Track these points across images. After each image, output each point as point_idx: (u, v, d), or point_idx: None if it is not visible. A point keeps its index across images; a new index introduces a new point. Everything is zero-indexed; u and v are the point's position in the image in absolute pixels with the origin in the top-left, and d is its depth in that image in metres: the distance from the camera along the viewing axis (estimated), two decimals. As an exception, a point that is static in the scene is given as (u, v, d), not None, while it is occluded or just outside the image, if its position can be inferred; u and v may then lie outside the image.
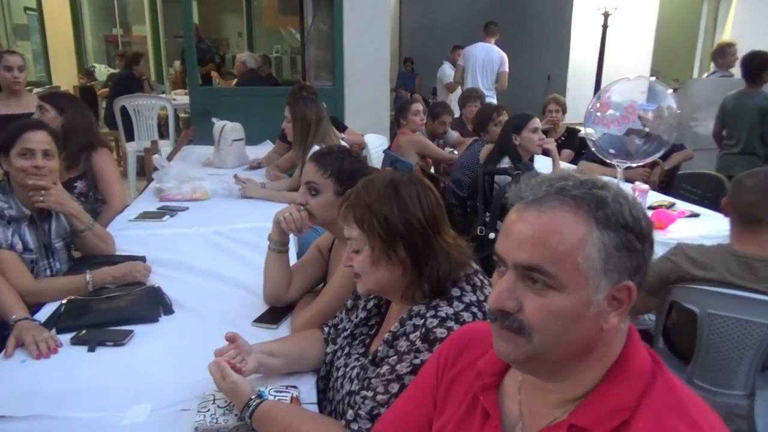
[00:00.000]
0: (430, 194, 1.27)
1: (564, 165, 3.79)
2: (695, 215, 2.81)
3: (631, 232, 0.75)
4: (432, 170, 4.07)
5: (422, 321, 1.17)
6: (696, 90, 5.00)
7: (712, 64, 6.33)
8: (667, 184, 3.66)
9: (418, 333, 1.15)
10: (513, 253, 0.77)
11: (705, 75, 6.88)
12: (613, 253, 0.75)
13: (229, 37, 10.05)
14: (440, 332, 1.14)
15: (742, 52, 5.14)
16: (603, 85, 6.14)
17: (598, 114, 2.26)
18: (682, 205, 3.05)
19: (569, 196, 0.75)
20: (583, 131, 2.37)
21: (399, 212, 1.21)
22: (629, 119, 2.24)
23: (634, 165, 2.38)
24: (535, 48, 7.25)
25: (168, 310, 1.72)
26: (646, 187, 3.03)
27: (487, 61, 5.88)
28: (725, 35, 6.96)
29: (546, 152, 3.17)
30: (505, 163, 2.90)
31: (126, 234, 2.33)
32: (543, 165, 3.32)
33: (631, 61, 6.65)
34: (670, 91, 2.27)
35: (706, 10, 7.23)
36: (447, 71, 6.71)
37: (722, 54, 5.90)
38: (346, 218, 1.25)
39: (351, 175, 1.65)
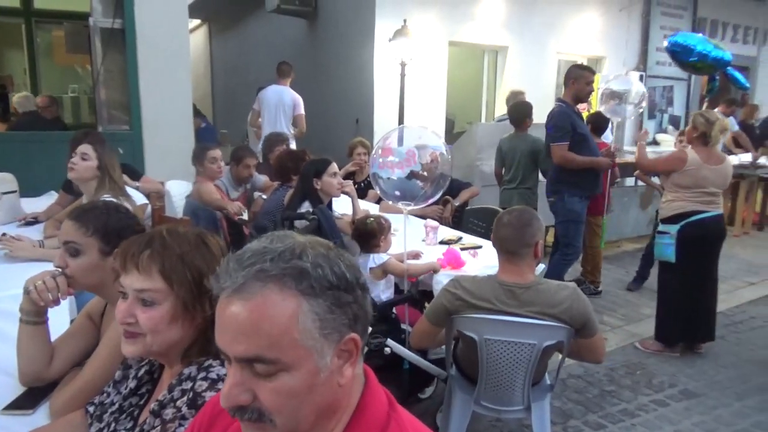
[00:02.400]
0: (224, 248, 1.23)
1: (367, 205, 3.96)
2: (478, 247, 3.11)
3: (339, 289, 0.77)
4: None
5: (191, 385, 1.10)
6: (479, 133, 5.60)
7: (503, 109, 7.21)
8: (458, 219, 4.01)
9: (185, 398, 1.08)
10: (231, 347, 0.75)
11: (495, 119, 7.79)
12: (327, 317, 0.76)
13: (14, 74, 8.93)
14: (209, 396, 1.07)
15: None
16: (405, 128, 6.62)
17: (381, 159, 2.40)
18: (468, 239, 3.36)
19: (270, 277, 0.75)
20: (372, 171, 2.49)
21: (208, 266, 1.14)
22: (410, 163, 2.41)
23: (417, 206, 2.55)
24: (343, 92, 7.57)
25: None
26: (435, 224, 3.30)
27: (279, 104, 5.93)
28: (504, 85, 7.98)
29: (346, 194, 3.29)
30: (306, 207, 2.93)
31: None
32: (342, 206, 3.43)
33: (429, 107, 7.28)
34: (441, 140, 2.48)
35: (487, 63, 8.23)
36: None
37: (512, 99, 6.73)
38: (145, 268, 1.13)
39: (119, 233, 1.51)
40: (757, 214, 7.47)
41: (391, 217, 3.21)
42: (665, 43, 6.38)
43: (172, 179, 4.28)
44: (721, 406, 3.13)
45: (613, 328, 4.25)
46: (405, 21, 6.38)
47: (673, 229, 3.64)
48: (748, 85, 6.65)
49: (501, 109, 7.20)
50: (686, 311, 3.69)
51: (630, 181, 6.66)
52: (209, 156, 3.67)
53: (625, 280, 5.25)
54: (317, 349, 0.75)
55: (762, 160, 7.10)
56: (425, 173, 2.44)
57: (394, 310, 2.67)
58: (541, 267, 2.95)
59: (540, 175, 4.77)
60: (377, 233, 2.66)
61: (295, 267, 0.75)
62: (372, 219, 2.71)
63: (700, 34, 6.19)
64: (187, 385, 1.11)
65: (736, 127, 7.44)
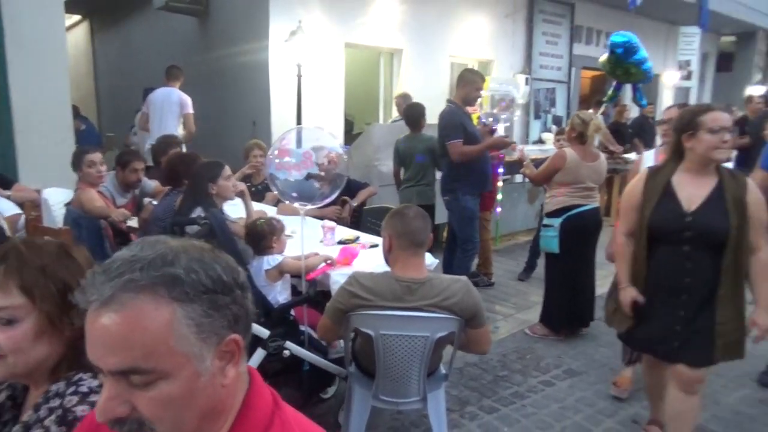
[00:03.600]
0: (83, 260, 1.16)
1: (265, 208, 3.91)
2: (375, 246, 3.17)
3: (216, 292, 0.77)
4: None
5: (59, 402, 1.04)
6: (376, 134, 5.71)
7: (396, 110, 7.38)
8: (356, 219, 4.07)
9: (53, 416, 1.01)
10: (103, 361, 0.73)
11: (390, 120, 7.95)
12: (204, 321, 0.76)
13: None
14: (81, 410, 1.02)
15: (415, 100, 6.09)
16: (304, 129, 6.58)
17: (277, 160, 2.39)
18: (366, 238, 3.42)
19: (140, 287, 0.73)
20: (269, 172, 2.47)
21: (74, 277, 1.06)
22: (307, 164, 2.42)
23: (315, 206, 2.57)
24: (239, 93, 7.39)
25: None
26: (332, 224, 3.32)
27: (166, 104, 5.72)
28: (399, 87, 8.17)
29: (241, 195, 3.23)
30: (198, 212, 2.84)
31: None
32: (238, 211, 3.36)
33: (327, 108, 7.29)
34: (338, 140, 2.51)
35: (383, 65, 8.38)
36: None
37: (401, 103, 6.91)
38: (1, 285, 1.05)
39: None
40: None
41: (290, 219, 3.20)
42: (608, 41, 6.73)
43: (50, 186, 3.98)
44: (600, 382, 3.41)
45: (505, 316, 4.50)
46: (300, 22, 6.35)
47: (556, 222, 3.92)
48: (645, 103, 7.26)
49: (396, 109, 7.37)
50: (569, 297, 3.99)
51: (519, 178, 7.07)
52: (87, 160, 3.44)
53: (516, 270, 5.56)
54: (196, 354, 0.75)
55: (633, 156, 7.79)
56: (322, 174, 2.45)
57: (292, 312, 2.66)
58: (435, 262, 3.07)
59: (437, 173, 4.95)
60: (268, 235, 2.64)
61: (167, 274, 0.74)
62: (263, 221, 2.68)
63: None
64: (55, 402, 1.05)
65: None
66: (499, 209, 5.34)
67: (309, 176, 2.52)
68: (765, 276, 2.21)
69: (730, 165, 2.44)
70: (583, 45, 10.96)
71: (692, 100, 14.65)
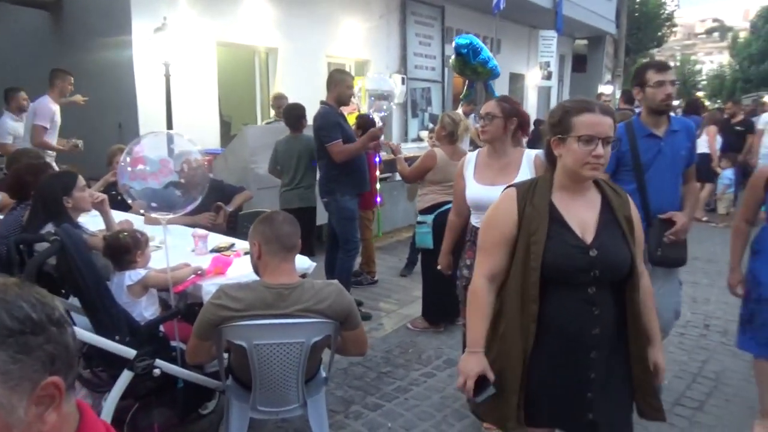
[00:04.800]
0: None
1: (132, 217, 3.66)
2: (248, 253, 3.09)
3: (23, 333, 0.71)
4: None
5: None
6: (251, 136, 5.57)
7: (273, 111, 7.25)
8: (232, 225, 3.94)
9: None
10: None
11: (265, 121, 7.80)
12: (11, 368, 0.69)
13: None
14: None
15: (292, 100, 6.02)
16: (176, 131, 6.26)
17: (130, 169, 2.24)
18: (242, 245, 3.32)
19: None
20: (122, 182, 2.31)
21: None
22: (165, 172, 2.29)
23: (178, 215, 2.45)
24: (101, 95, 6.84)
25: None
26: (204, 232, 3.19)
27: (31, 113, 5.34)
28: (276, 87, 8.04)
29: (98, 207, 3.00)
30: (49, 228, 2.60)
31: None
32: (96, 222, 3.13)
33: (200, 109, 6.99)
34: (198, 147, 2.41)
35: (258, 64, 8.20)
36: (9, 124, 5.61)
37: (277, 103, 6.80)
38: None
39: None
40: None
41: (158, 229, 3.02)
42: (453, 44, 7.02)
43: None
44: (477, 369, 3.59)
45: (388, 313, 4.60)
46: (165, 18, 6.02)
47: (429, 218, 4.06)
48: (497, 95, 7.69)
49: (273, 110, 7.24)
50: (446, 290, 4.15)
51: (399, 176, 7.24)
52: None
53: (399, 266, 5.71)
54: (4, 405, 0.68)
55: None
56: (182, 181, 2.34)
57: (161, 328, 2.52)
58: (313, 265, 3.05)
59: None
60: (133, 249, 2.47)
61: None
62: (126, 233, 2.51)
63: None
64: None
65: (477, 125, 8.56)
66: (379, 199, 5.39)
67: (169, 184, 2.40)
68: (651, 305, 1.83)
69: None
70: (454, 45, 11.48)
71: (553, 99, 15.91)
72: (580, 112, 1.67)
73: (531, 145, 3.96)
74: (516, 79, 14.40)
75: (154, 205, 2.30)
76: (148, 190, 2.29)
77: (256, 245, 2.15)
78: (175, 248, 2.97)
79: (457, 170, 2.96)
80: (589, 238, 1.70)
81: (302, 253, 4.53)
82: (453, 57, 6.92)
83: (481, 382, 1.71)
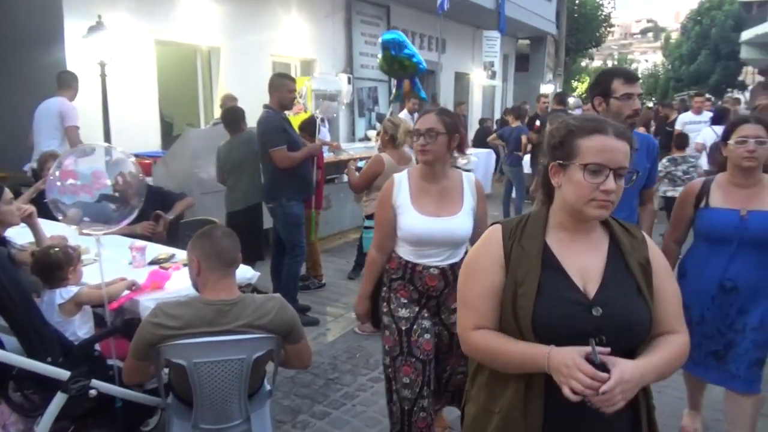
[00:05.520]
0: None
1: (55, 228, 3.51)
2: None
3: None
4: None
5: None
6: (194, 139, 5.42)
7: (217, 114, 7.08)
8: (173, 234, 3.84)
9: None
10: None
11: (211, 122, 7.62)
12: None
13: None
14: None
15: (242, 102, 5.91)
16: (114, 134, 6.04)
17: (59, 183, 2.15)
18: (183, 255, 3.24)
19: None
20: (51, 197, 2.20)
21: None
22: (99, 185, 2.21)
23: (113, 229, 2.37)
24: (33, 98, 6.50)
25: None
26: (142, 244, 3.10)
27: (44, 117, 5.20)
28: (219, 86, 7.87)
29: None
30: (-28, 243, 2.47)
31: None
32: (24, 234, 2.98)
33: (139, 109, 6.76)
34: (132, 158, 2.34)
35: (200, 63, 7.99)
36: None
37: (226, 104, 6.63)
38: None
39: None
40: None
41: (93, 240, 2.91)
42: (380, 40, 7.07)
43: None
44: (423, 372, 3.64)
45: (335, 317, 4.60)
46: (100, 17, 5.79)
47: (376, 223, 4.07)
48: (425, 95, 7.78)
49: (219, 110, 7.09)
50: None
51: (346, 177, 7.23)
52: None
53: (347, 269, 5.70)
54: None
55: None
56: (116, 194, 2.27)
57: (97, 347, 2.44)
58: (257, 275, 3.02)
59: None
60: (65, 265, 2.38)
61: None
62: (57, 249, 2.41)
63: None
64: None
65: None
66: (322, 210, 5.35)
67: (102, 198, 2.31)
68: (675, 352, 1.38)
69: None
70: (400, 46, 11.53)
71: (498, 98, 16.27)
72: (589, 134, 1.34)
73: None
74: (461, 78, 14.63)
75: (86, 219, 2.22)
76: (79, 204, 2.20)
77: (194, 261, 2.10)
78: (111, 261, 2.89)
79: (381, 195, 2.45)
80: (592, 291, 1.36)
81: (250, 255, 4.54)
82: (380, 55, 6.97)
83: None
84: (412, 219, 2.31)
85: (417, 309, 2.37)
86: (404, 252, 2.37)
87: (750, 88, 18.73)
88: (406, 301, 2.38)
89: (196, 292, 2.21)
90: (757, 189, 2.45)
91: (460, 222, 2.32)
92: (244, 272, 2.89)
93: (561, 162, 1.37)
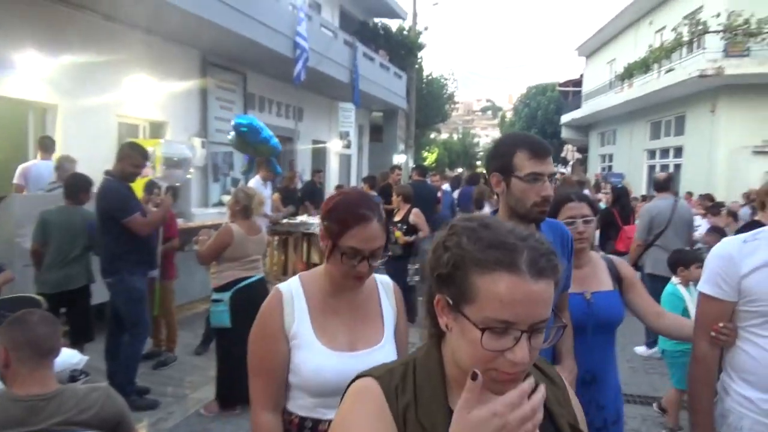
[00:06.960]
0: None
1: None
2: None
3: None
4: None
5: None
6: (20, 204, 4.90)
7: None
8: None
9: None
10: None
11: (48, 187, 6.90)
12: None
13: None
14: None
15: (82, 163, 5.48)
16: None
17: None
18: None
19: None
20: None
21: None
22: None
23: None
24: None
25: None
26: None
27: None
28: (57, 147, 7.23)
29: None
30: None
31: None
32: None
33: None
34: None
35: (32, 121, 7.30)
36: None
37: (63, 167, 6.08)
38: None
39: None
40: (305, 263, 8.81)
41: None
42: (232, 122, 7.07)
43: None
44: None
45: (178, 399, 4.27)
46: None
47: (226, 296, 3.94)
48: (280, 170, 7.88)
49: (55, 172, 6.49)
50: (242, 371, 4.00)
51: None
52: None
53: (194, 343, 5.37)
54: None
55: (303, 218, 8.46)
56: None
57: None
58: (85, 359, 2.75)
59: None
60: None
61: None
62: None
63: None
64: None
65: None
66: (157, 273, 4.99)
67: None
68: None
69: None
70: (257, 111, 11.58)
71: (353, 167, 16.87)
72: (491, 270, 0.88)
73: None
74: (318, 147, 14.99)
75: None
76: None
77: (3, 352, 1.86)
78: None
79: (261, 320, 1.63)
80: None
81: (82, 336, 4.09)
82: (232, 134, 7.03)
83: None
84: (317, 357, 1.53)
85: None
86: (298, 406, 1.57)
87: (571, 163, 21.49)
88: None
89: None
90: (590, 269, 2.30)
91: (384, 357, 1.50)
92: (70, 357, 2.62)
93: (450, 302, 0.92)
